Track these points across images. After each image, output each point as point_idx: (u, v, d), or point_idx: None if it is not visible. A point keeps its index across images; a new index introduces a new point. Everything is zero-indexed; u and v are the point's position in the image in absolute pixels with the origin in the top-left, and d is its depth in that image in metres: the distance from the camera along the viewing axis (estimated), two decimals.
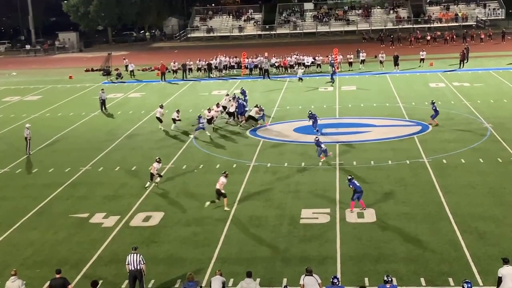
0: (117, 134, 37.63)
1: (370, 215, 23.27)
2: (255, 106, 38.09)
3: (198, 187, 27.53)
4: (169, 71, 59.84)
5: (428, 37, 76.73)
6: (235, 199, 25.58)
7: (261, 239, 21.73)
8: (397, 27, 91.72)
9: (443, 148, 31.06)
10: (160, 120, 38.00)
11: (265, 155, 31.67)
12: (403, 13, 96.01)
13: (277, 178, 28.30)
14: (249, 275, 16.79)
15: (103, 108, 45.00)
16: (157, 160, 27.91)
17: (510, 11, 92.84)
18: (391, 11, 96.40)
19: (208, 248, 20.99)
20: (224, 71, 60.25)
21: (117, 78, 60.62)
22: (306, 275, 16.50)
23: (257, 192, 26.51)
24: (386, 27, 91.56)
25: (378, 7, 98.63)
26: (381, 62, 58.26)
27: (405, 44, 76.35)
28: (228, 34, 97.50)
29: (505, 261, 16.37)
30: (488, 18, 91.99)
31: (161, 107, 38.96)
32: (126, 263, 17.94)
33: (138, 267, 17.71)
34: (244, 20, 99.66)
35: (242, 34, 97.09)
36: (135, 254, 17.89)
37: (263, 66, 57.33)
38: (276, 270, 19.28)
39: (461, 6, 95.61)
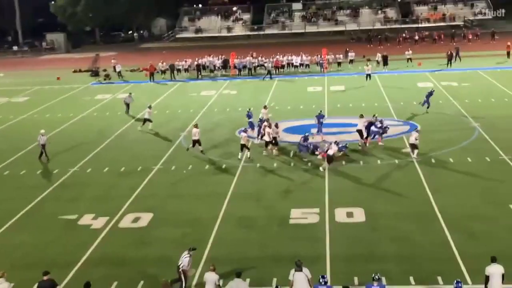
0: (106, 135, 37.48)
1: (359, 215, 23.31)
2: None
3: (187, 188, 27.48)
4: (158, 72, 59.70)
5: (416, 37, 77.02)
6: (224, 200, 25.55)
7: (251, 240, 21.72)
8: (385, 27, 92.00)
9: (431, 148, 31.16)
10: (149, 121, 37.87)
11: (255, 155, 31.64)
12: (391, 13, 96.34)
13: (267, 178, 28.30)
14: (238, 275, 16.78)
15: (127, 111, 43.70)
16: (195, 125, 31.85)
17: (497, 11, 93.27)
18: (379, 11, 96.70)
19: (198, 249, 20.93)
20: (214, 72, 60.16)
21: (105, 79, 60.42)
22: (296, 271, 16.45)
23: (247, 192, 26.49)
24: (374, 27, 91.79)
25: (366, 7, 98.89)
26: (351, 61, 59.92)
27: (393, 44, 76.59)
28: (217, 34, 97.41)
29: (493, 260, 16.45)
30: (476, 18, 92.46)
31: (150, 107, 38.81)
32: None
33: (182, 268, 17.88)
34: (233, 21, 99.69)
35: (230, 34, 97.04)
36: (187, 255, 18.04)
37: (266, 66, 57.73)
38: (266, 270, 19.27)
39: (448, 6, 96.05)
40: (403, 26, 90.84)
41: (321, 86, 51.03)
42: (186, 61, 61.06)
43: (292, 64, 59.69)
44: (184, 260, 18.02)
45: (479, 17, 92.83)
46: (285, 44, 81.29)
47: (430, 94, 39.07)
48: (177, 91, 52.77)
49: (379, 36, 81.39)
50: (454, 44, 70.49)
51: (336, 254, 20.10)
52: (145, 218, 24.04)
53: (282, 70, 58.94)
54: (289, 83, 53.91)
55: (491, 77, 50.91)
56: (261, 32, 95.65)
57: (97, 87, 56.67)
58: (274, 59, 59.03)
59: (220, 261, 19.27)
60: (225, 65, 60.83)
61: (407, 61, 59.40)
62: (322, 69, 58.20)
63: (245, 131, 31.91)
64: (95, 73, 63.33)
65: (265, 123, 32.50)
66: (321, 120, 34.54)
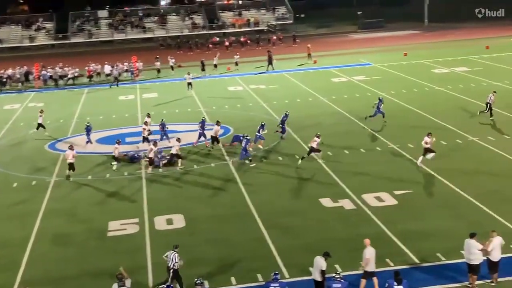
0: None
1: (179, 221, 23.39)
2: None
3: None
4: None
5: (227, 43, 78.86)
6: (37, 217, 24.29)
7: (69, 257, 20.91)
8: (193, 33, 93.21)
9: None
10: None
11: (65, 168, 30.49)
12: (198, 19, 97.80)
13: (81, 191, 27.40)
14: None
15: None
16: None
17: (297, 15, 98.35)
18: (187, 18, 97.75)
19: (11, 272, 19.71)
20: (20, 84, 56.78)
21: None
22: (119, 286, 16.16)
23: (61, 208, 25.45)
24: (182, 34, 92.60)
25: (174, 14, 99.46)
26: (172, 67, 59.33)
27: (203, 50, 77.79)
28: (18, 44, 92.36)
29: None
30: (278, 22, 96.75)
31: None
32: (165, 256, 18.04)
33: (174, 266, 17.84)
34: (35, 30, 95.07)
35: (33, 44, 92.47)
36: (173, 253, 17.93)
37: (113, 73, 55.85)
38: (86, 287, 18.63)
39: (252, 12, 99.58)
40: (210, 32, 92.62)
41: (133, 94, 50.43)
42: None
43: (108, 73, 58.06)
44: (175, 256, 17.82)
45: (281, 21, 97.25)
46: (93, 52, 79.26)
47: (380, 101, 36.33)
48: None
49: (189, 42, 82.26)
50: (260, 48, 73.19)
51: (157, 263, 19.92)
52: None
53: (94, 79, 57.26)
54: (100, 92, 52.58)
55: (295, 79, 53.56)
56: (67, 41, 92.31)
57: None
58: (87, 68, 57.38)
59: (35, 283, 18.31)
60: (27, 77, 57.64)
61: (235, 64, 60.50)
62: (133, 77, 57.51)
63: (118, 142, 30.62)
64: None
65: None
66: (164, 128, 34.32)
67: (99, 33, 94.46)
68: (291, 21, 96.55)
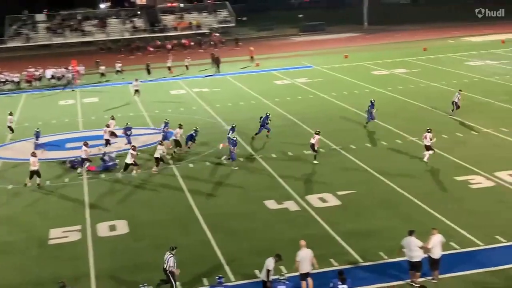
0: None
1: (122, 227, 23.09)
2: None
3: None
4: None
5: (169, 46, 78.35)
6: None
7: (10, 266, 20.42)
8: (135, 36, 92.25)
9: (189, 153, 31.88)
10: None
11: (6, 176, 29.73)
12: (139, 22, 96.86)
13: (21, 199, 26.73)
14: None
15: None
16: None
17: (239, 18, 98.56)
18: (127, 21, 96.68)
19: None
20: None
21: None
22: None
23: (0, 216, 24.76)
24: (123, 37, 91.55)
25: (114, 17, 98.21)
26: (118, 71, 58.26)
27: (145, 53, 77.01)
28: None
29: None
30: (220, 26, 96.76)
31: None
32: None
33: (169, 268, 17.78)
34: None
35: None
36: (170, 256, 17.89)
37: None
38: None
39: (194, 15, 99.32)
40: (152, 35, 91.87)
41: (73, 99, 49.51)
42: None
43: (50, 77, 56.87)
44: (170, 260, 17.67)
45: (223, 24, 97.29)
46: (31, 57, 77.53)
47: (372, 105, 35.54)
48: None
49: (130, 46, 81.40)
50: (203, 51, 73.07)
51: (101, 270, 19.66)
52: None
53: (33, 83, 56.00)
54: (39, 97, 51.43)
55: (238, 82, 53.63)
56: (3, 46, 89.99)
57: None
58: (26, 72, 56.10)
59: None
60: None
61: (186, 68, 60.20)
62: (73, 81, 56.47)
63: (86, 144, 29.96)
64: None
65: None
66: (128, 132, 33.74)
67: (37, 37, 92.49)
68: (233, 24, 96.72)
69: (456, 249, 19.80)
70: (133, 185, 27.88)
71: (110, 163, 30.14)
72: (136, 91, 47.47)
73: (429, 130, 28.97)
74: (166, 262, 17.88)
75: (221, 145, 31.22)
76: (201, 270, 19.37)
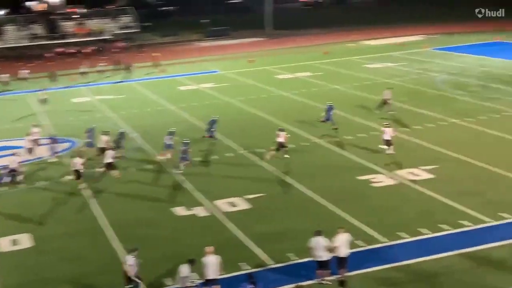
0: None
1: (26, 241, 22.28)
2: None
3: None
4: None
5: (72, 51, 76.63)
6: None
7: None
8: (33, 43, 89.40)
9: (91, 163, 30.45)
10: None
11: None
12: (38, 29, 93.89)
13: None
14: None
15: None
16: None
17: (142, 24, 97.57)
18: (25, 28, 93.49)
19: None
20: None
21: None
22: None
23: None
24: (21, 44, 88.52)
25: (10, 24, 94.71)
26: (24, 79, 56.99)
27: (45, 61, 74.75)
28: None
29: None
30: (123, 31, 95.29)
31: None
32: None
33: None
34: None
35: None
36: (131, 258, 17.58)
37: None
38: None
39: (95, 21, 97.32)
40: (52, 42, 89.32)
41: None
42: None
43: None
44: (130, 261, 17.42)
45: (126, 30, 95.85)
46: None
47: (331, 108, 35.82)
48: None
49: (30, 53, 78.98)
50: (105, 57, 71.85)
51: (9, 286, 18.88)
52: None
53: None
54: None
55: (143, 88, 53.02)
56: None
57: None
58: None
59: None
60: None
61: (88, 74, 58.84)
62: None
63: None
64: None
65: None
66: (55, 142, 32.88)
67: None
68: (137, 30, 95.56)
69: (362, 246, 20.35)
70: (37, 196, 26.98)
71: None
72: (43, 99, 46.23)
73: (387, 125, 30.55)
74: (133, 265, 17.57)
75: (160, 156, 30.84)
76: (110, 281, 18.92)
